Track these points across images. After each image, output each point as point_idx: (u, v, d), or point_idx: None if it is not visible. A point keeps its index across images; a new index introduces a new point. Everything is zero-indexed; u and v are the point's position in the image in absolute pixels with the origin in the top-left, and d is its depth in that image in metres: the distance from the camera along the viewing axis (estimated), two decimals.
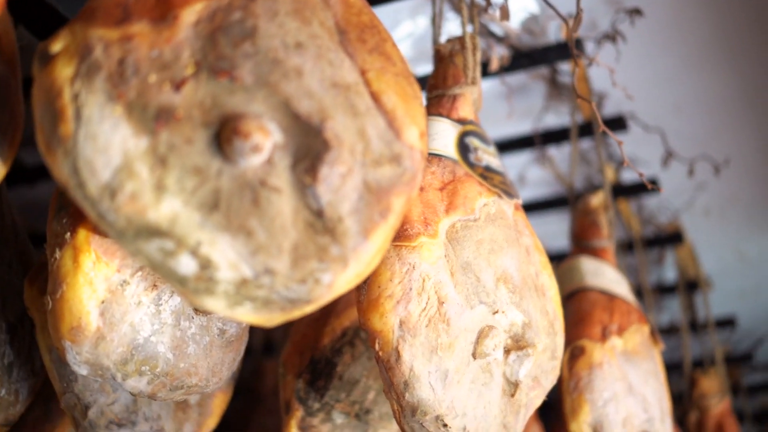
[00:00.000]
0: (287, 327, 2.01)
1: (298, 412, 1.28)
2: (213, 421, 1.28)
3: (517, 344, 1.16)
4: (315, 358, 1.30)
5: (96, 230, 0.97)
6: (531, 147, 1.77)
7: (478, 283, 1.12)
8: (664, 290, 2.23)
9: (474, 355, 1.09)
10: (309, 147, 0.83)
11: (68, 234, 0.97)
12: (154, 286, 1.01)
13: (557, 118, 1.84)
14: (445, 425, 1.06)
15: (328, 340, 1.30)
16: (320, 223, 0.84)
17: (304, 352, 1.31)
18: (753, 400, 2.79)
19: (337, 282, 0.85)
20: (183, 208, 0.78)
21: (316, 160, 0.83)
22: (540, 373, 1.20)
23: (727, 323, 2.36)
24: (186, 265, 0.79)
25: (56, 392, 1.16)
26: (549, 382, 1.22)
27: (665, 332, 2.40)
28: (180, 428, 1.25)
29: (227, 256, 0.79)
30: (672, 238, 2.05)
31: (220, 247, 0.79)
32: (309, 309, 0.85)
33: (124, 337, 1.00)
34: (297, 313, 0.85)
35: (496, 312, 1.12)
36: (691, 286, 2.19)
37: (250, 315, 0.83)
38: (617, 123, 1.74)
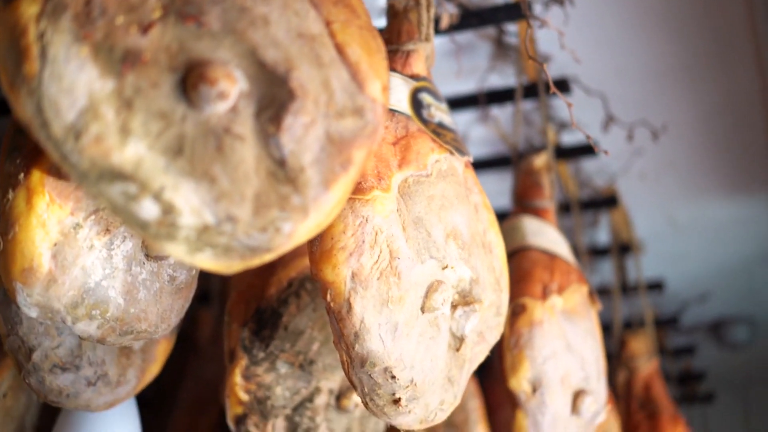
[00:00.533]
0: (224, 276, 2.01)
1: (243, 361, 1.28)
2: (156, 367, 1.28)
3: (464, 300, 1.17)
4: (261, 307, 1.30)
5: (50, 172, 0.96)
6: (475, 106, 1.78)
7: (428, 238, 1.13)
8: (597, 252, 2.27)
9: (422, 309, 1.11)
10: (274, 96, 0.83)
11: (22, 175, 0.96)
12: (107, 230, 1.01)
13: (501, 78, 1.85)
14: (393, 377, 1.07)
15: (275, 291, 1.31)
16: (282, 172, 0.84)
17: (250, 301, 1.31)
18: (677, 362, 2.86)
19: (297, 231, 0.85)
20: (147, 152, 0.78)
21: (280, 110, 0.83)
22: (485, 328, 1.22)
23: (655, 287, 2.41)
24: (148, 209, 0.79)
25: None
26: (493, 338, 1.24)
27: (597, 294, 2.44)
28: (123, 374, 1.24)
29: (190, 202, 0.79)
30: (607, 201, 2.09)
31: (183, 192, 0.79)
32: (268, 257, 0.85)
33: (75, 281, 0.99)
34: (256, 261, 0.85)
35: (446, 267, 1.14)
36: (623, 249, 2.23)
37: (209, 262, 0.83)
38: (561, 86, 1.76)
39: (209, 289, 2.05)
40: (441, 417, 1.18)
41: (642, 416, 1.99)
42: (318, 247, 1.06)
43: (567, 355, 1.42)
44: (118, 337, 1.06)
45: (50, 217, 0.96)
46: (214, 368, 1.75)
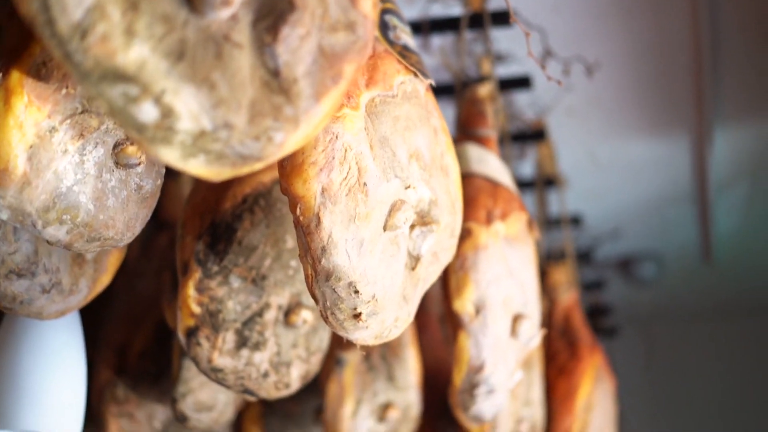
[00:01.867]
0: (168, 197, 2.00)
1: (197, 274, 1.29)
2: (107, 278, 1.28)
3: (423, 220, 1.20)
4: (215, 221, 1.31)
5: (30, 73, 0.95)
6: (417, 33, 1.80)
7: (393, 157, 1.15)
8: (521, 185, 2.32)
9: (385, 227, 1.13)
10: (273, 6, 0.84)
11: (0, 75, 0.94)
12: (81, 135, 1.00)
13: (443, 8, 1.87)
14: (356, 291, 1.10)
15: (229, 205, 1.32)
16: (276, 82, 0.85)
17: (205, 214, 1.32)
18: (587, 296, 2.95)
19: (288, 141, 0.86)
20: (151, 54, 0.78)
21: (278, 20, 0.84)
22: (439, 249, 1.25)
23: (574, 221, 2.48)
24: (148, 112, 0.79)
25: None
26: (446, 259, 1.27)
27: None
28: (76, 283, 1.24)
29: (189, 107, 0.80)
30: (536, 135, 2.13)
31: (183, 97, 0.79)
32: (258, 166, 0.86)
33: (48, 185, 0.99)
34: (246, 169, 0.86)
35: (408, 187, 1.16)
36: (547, 183, 2.28)
37: (201, 167, 0.84)
38: (501, 18, 1.78)
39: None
40: (395, 333, 1.21)
41: (561, 344, 2.06)
42: (289, 161, 1.07)
43: (508, 279, 1.46)
44: (86, 243, 1.05)
45: (27, 119, 0.95)
46: (145, 283, 1.75)
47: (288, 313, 1.37)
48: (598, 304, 3.04)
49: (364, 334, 1.16)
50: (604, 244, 2.76)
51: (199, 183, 1.36)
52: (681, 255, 2.86)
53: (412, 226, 1.19)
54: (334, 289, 1.09)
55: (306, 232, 1.07)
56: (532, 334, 1.51)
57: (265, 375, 1.37)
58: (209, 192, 1.33)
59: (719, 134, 2.24)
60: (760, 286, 3.08)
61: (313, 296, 1.12)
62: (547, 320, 2.11)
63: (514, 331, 1.47)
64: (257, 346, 1.35)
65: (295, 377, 1.41)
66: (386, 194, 1.12)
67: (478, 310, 1.41)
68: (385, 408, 1.67)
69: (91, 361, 1.79)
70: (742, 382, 3.26)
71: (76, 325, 1.41)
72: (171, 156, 0.82)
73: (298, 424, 1.89)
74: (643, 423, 3.12)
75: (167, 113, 0.79)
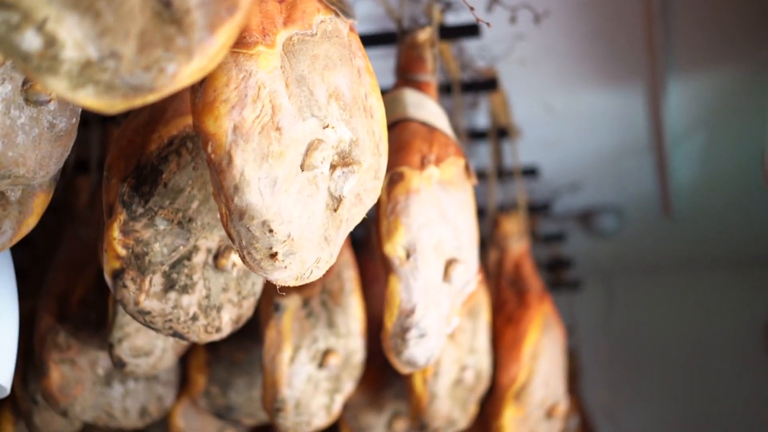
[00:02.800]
0: (103, 144, 1.99)
1: (121, 216, 1.29)
2: (33, 220, 1.28)
3: (344, 161, 1.19)
4: (141, 163, 1.30)
5: None
6: None
7: (311, 96, 1.14)
8: (475, 136, 2.31)
9: (302, 167, 1.13)
10: None
11: None
12: None
13: None
14: (270, 231, 1.09)
15: (155, 147, 1.31)
16: (168, 12, 0.84)
17: (130, 157, 1.31)
18: (547, 248, 2.95)
19: (181, 73, 0.86)
20: None
21: None
22: (363, 191, 1.24)
23: (529, 173, 2.48)
24: (30, 41, 0.78)
25: None
26: (370, 201, 1.27)
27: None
28: None
29: (73, 35, 0.79)
30: (487, 84, 2.12)
31: (66, 25, 0.78)
32: (151, 98, 0.86)
33: None
34: (139, 101, 0.85)
35: (327, 127, 1.15)
36: (501, 133, 2.28)
37: (91, 99, 0.83)
38: None
39: (88, 158, 2.03)
40: (316, 274, 1.21)
41: (511, 293, 2.06)
42: (201, 99, 1.07)
43: (441, 223, 1.46)
44: None
45: None
46: (90, 231, 1.75)
47: (217, 256, 1.37)
48: (559, 257, 3.04)
49: (283, 275, 1.16)
50: (563, 197, 2.76)
51: (126, 126, 1.35)
52: (640, 208, 2.86)
53: (333, 167, 1.18)
54: (248, 228, 1.09)
55: (218, 170, 1.07)
56: (467, 279, 1.52)
57: (194, 318, 1.37)
58: (135, 135, 1.33)
59: (673, 83, 2.24)
60: (719, 239, 3.09)
61: (229, 236, 1.11)
62: (498, 270, 2.12)
63: (447, 276, 1.47)
64: (185, 289, 1.35)
65: (226, 321, 1.41)
66: (302, 133, 1.12)
67: (409, 254, 1.41)
68: (325, 354, 1.67)
69: (34, 308, 1.79)
70: (701, 335, 3.28)
71: (6, 269, 1.41)
72: (59, 86, 0.81)
73: (244, 371, 1.90)
74: (603, 376, 3.14)
75: (51, 42, 0.78)
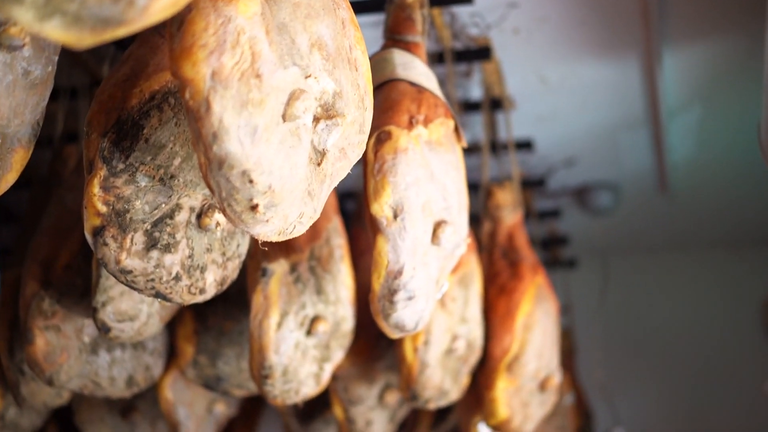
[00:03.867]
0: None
1: (102, 171, 1.26)
2: (12, 176, 1.25)
3: (327, 113, 1.17)
4: (121, 118, 1.28)
5: None
6: None
7: (292, 45, 1.12)
8: (468, 107, 2.28)
9: (284, 117, 1.10)
10: None
11: None
12: None
13: None
14: (251, 181, 1.07)
15: (136, 102, 1.28)
16: None
17: (111, 111, 1.28)
18: (543, 225, 2.93)
19: (152, 6, 0.83)
20: None
21: None
22: (347, 145, 1.22)
23: (524, 146, 2.45)
24: None
25: None
26: (355, 156, 1.24)
27: (467, 151, 2.46)
28: None
29: None
30: (480, 53, 2.09)
31: None
32: (121, 32, 0.83)
33: None
34: (108, 35, 0.83)
35: (309, 76, 1.13)
36: (494, 104, 2.25)
37: (59, 31, 0.80)
38: None
39: (77, 128, 2.01)
40: (299, 230, 1.19)
41: (504, 264, 2.04)
42: (178, 44, 1.04)
43: (429, 184, 1.43)
44: None
45: None
46: (76, 197, 1.72)
47: (200, 215, 1.34)
48: (554, 234, 3.02)
49: (265, 229, 1.14)
50: (558, 173, 2.73)
51: (106, 80, 1.32)
52: (636, 184, 2.83)
53: (317, 120, 1.16)
54: (228, 178, 1.07)
55: (196, 117, 1.04)
56: (456, 241, 1.49)
57: (177, 278, 1.34)
58: (116, 89, 1.30)
59: (668, 54, 2.21)
60: (717, 217, 3.06)
61: (209, 187, 1.09)
62: (491, 241, 2.09)
63: (435, 237, 1.44)
64: (168, 248, 1.32)
65: (210, 282, 1.39)
66: (283, 81, 1.09)
67: (396, 214, 1.39)
68: (314, 321, 1.65)
69: (19, 275, 1.77)
70: (698, 314, 3.25)
71: None
72: (25, 17, 0.79)
73: (233, 341, 1.87)
74: (598, 355, 3.11)
75: None
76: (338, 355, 1.74)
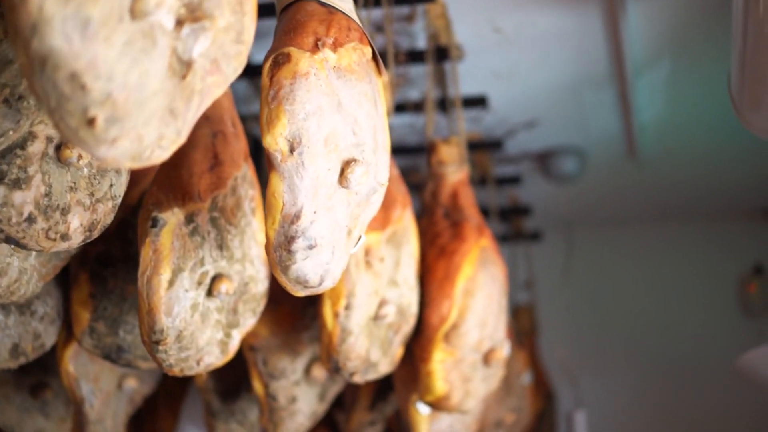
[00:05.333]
0: None
1: None
2: None
3: (192, 14, 0.97)
4: None
5: None
6: None
7: None
8: (412, 58, 2.08)
9: (132, 13, 0.90)
10: None
11: None
12: None
13: None
14: (83, 86, 0.87)
15: None
16: None
17: None
18: (502, 191, 2.74)
19: None
20: None
21: None
22: (221, 56, 1.02)
23: (476, 102, 2.25)
24: None
25: None
26: (231, 70, 1.04)
27: (415, 108, 2.27)
28: None
29: None
30: None
31: None
32: None
33: None
34: None
35: None
36: (441, 53, 2.04)
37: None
38: None
39: None
40: (159, 155, 0.99)
41: (446, 224, 1.84)
42: None
43: (336, 115, 1.23)
44: None
45: None
46: None
47: (60, 147, 1.15)
48: (516, 204, 2.83)
49: (113, 152, 0.94)
50: (518, 136, 2.53)
51: None
52: (603, 148, 2.62)
53: (180, 23, 0.96)
54: (54, 83, 0.87)
55: (9, 5, 0.84)
56: (372, 185, 1.29)
57: (30, 220, 1.14)
58: None
59: (633, 3, 2.01)
60: (689, 187, 2.86)
61: (36, 95, 0.89)
62: (432, 199, 1.89)
63: (343, 178, 1.24)
64: (17, 184, 1.12)
65: (76, 227, 1.19)
66: None
67: (293, 148, 1.19)
68: (215, 280, 1.45)
69: None
70: (669, 290, 3.05)
71: None
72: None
73: (136, 307, 1.67)
74: (562, 332, 2.92)
75: None
76: (249, 322, 1.55)
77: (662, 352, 2.98)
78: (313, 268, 1.24)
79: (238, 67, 1.04)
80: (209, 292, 1.45)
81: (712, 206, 3.00)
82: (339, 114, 1.24)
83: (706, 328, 2.96)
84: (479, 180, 2.63)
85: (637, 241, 3.08)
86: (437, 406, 1.76)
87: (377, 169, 1.30)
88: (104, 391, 1.84)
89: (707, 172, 2.77)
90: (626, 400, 2.94)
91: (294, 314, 1.78)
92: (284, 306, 1.79)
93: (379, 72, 1.36)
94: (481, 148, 2.48)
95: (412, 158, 2.51)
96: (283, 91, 1.20)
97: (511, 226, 2.89)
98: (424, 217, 1.88)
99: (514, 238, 2.88)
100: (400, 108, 2.25)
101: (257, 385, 1.78)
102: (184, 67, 0.98)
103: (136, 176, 1.68)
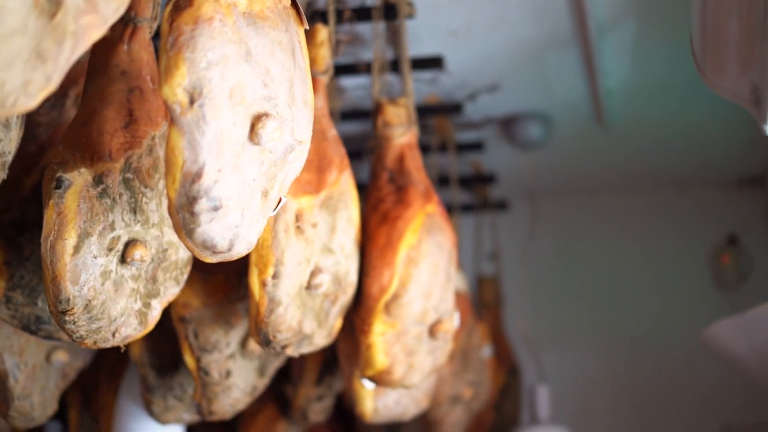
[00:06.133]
0: None
1: None
2: None
3: None
4: None
5: None
6: None
7: None
8: (361, 15, 1.97)
9: None
10: None
11: None
12: None
13: None
14: None
15: None
16: None
17: None
18: (464, 158, 2.64)
19: None
20: None
21: None
22: None
23: (432, 63, 2.14)
24: None
25: None
26: (111, 10, 0.94)
27: (368, 69, 2.16)
28: None
29: None
30: None
31: None
32: None
33: None
34: None
35: None
36: (389, 9, 1.94)
37: None
38: None
39: None
40: (26, 103, 0.89)
41: (390, 189, 1.74)
42: None
43: (243, 65, 1.13)
44: None
45: None
46: None
47: None
48: (479, 172, 2.73)
49: None
50: (480, 99, 2.42)
51: None
52: (569, 114, 2.52)
53: None
54: None
55: None
56: (288, 142, 1.20)
57: None
58: None
59: None
60: (659, 154, 2.75)
61: None
62: (378, 163, 1.80)
63: (254, 134, 1.14)
64: None
65: None
66: None
67: (193, 99, 1.09)
68: (128, 246, 1.35)
69: None
70: (639, 261, 2.94)
71: None
72: None
73: None
74: (527, 305, 2.83)
75: None
76: (171, 291, 1.45)
77: (631, 326, 2.88)
78: (221, 232, 1.15)
79: (118, 8, 0.94)
80: (123, 259, 1.35)
81: (685, 174, 2.90)
82: (247, 64, 1.14)
83: (677, 300, 2.86)
84: (440, 147, 2.53)
85: (605, 210, 2.97)
86: (379, 380, 1.67)
87: (294, 125, 1.21)
88: (30, 364, 1.74)
89: (679, 139, 2.67)
90: (590, 374, 2.85)
91: (228, 284, 1.69)
92: (218, 275, 1.69)
93: (301, 21, 1.26)
94: (440, 111, 2.37)
95: (368, 122, 2.41)
96: (182, 38, 1.10)
97: (477, 194, 2.79)
98: (370, 182, 1.78)
99: (480, 208, 2.78)
100: (352, 69, 2.14)
101: (188, 359, 1.68)
102: (53, 5, 0.88)
103: (56, 138, 1.58)
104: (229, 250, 1.17)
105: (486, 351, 2.39)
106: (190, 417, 1.90)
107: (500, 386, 2.54)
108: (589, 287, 2.92)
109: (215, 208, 1.12)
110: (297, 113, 1.21)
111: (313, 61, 1.63)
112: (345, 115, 2.29)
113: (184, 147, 1.09)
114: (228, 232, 1.15)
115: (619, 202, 2.96)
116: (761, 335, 1.94)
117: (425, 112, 2.40)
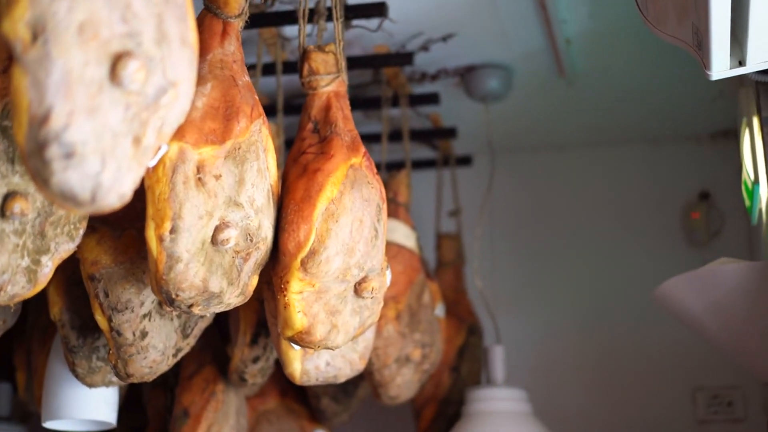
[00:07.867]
0: None
1: None
2: None
3: None
4: None
5: None
6: None
7: None
8: None
9: None
10: None
11: None
12: None
13: None
14: None
15: None
16: None
17: None
18: (421, 117, 2.55)
19: None
20: None
21: None
22: None
23: (374, 9, 2.04)
24: None
25: None
26: None
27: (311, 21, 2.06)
28: None
29: None
30: None
31: None
32: None
33: None
34: None
35: None
36: None
37: None
38: None
39: None
40: None
41: (313, 140, 1.65)
42: None
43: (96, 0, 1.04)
44: None
45: None
46: None
47: None
48: (437, 126, 2.63)
49: None
50: (435, 49, 2.31)
51: None
52: (528, 65, 2.39)
53: None
54: None
55: None
56: (159, 84, 1.11)
57: None
58: None
59: None
60: (625, 107, 2.62)
61: None
62: (304, 113, 1.71)
63: (115, 75, 1.06)
64: None
65: None
66: None
67: (36, 35, 1.00)
68: (7, 199, 1.27)
69: None
70: (607, 219, 2.82)
71: None
72: None
73: None
74: (489, 264, 2.74)
75: None
76: (65, 247, 1.38)
77: (597, 285, 2.77)
78: (81, 181, 1.06)
79: None
80: (2, 213, 1.27)
81: (654, 129, 2.78)
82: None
83: (645, 258, 2.75)
84: (393, 99, 2.43)
85: (571, 166, 2.86)
86: (300, 341, 1.59)
87: (166, 65, 1.12)
88: None
89: (645, 91, 2.56)
90: (553, 334, 2.75)
91: (141, 241, 1.60)
92: (130, 231, 1.62)
93: None
94: (390, 61, 2.28)
95: None
96: None
97: (432, 149, 2.70)
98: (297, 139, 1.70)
99: (435, 163, 2.69)
100: (291, 17, 2.04)
101: (100, 319, 1.61)
102: None
103: None
104: (93, 200, 1.09)
105: (439, 309, 2.31)
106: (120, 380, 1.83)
107: (458, 347, 2.45)
108: (553, 245, 2.82)
109: (68, 155, 1.03)
110: (169, 52, 1.12)
111: (225, 4, 1.54)
112: (287, 66, 2.19)
113: (29, 87, 1.01)
114: (88, 181, 1.06)
115: (586, 158, 2.85)
116: (714, 292, 1.86)
117: (374, 63, 2.31)
